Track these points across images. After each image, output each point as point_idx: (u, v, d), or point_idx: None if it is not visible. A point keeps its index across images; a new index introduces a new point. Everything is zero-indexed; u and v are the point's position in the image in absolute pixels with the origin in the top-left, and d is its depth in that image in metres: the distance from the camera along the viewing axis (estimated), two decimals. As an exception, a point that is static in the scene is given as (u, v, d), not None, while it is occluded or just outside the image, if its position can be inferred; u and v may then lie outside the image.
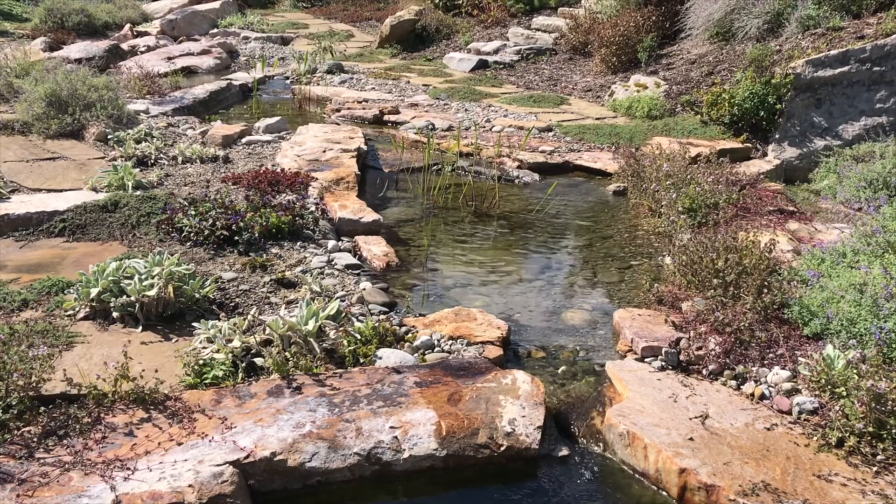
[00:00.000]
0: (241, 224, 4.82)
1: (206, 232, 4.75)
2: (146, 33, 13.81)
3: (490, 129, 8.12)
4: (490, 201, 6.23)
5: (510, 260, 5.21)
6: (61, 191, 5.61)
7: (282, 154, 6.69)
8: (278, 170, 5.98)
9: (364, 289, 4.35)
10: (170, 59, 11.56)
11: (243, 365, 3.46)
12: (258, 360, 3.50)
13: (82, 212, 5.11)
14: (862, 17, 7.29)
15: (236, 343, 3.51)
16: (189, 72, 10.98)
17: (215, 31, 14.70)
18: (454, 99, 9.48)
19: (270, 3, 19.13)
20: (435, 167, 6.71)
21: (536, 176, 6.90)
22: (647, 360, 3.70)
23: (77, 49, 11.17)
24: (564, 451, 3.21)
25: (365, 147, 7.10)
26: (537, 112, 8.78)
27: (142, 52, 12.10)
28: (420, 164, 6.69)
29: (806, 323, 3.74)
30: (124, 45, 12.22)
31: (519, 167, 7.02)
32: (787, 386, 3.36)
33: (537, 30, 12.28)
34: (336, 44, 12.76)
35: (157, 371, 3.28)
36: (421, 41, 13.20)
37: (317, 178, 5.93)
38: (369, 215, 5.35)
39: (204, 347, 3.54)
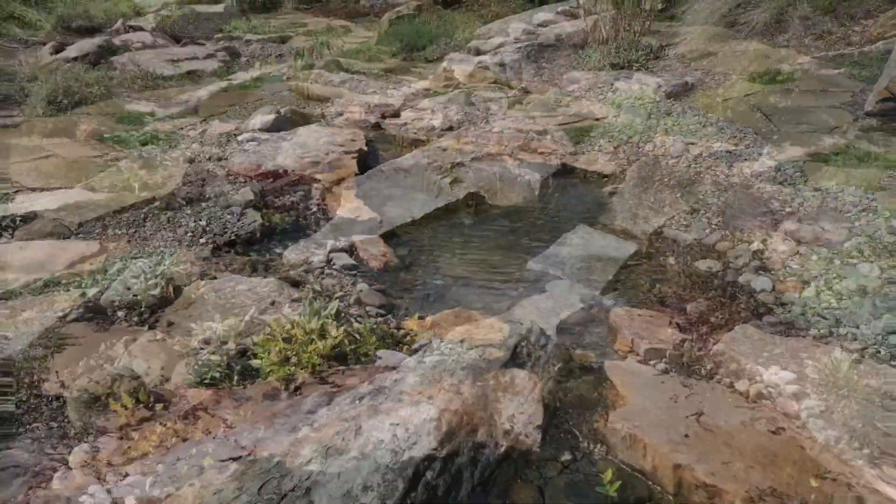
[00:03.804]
0: (241, 224, 4.82)
1: (207, 232, 4.75)
2: (139, 28, 13.72)
3: (490, 130, 8.10)
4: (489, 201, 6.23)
5: (509, 260, 5.20)
6: (60, 189, 5.61)
7: (282, 154, 6.68)
8: (279, 170, 5.97)
9: (361, 290, 4.34)
10: (170, 59, 11.54)
11: (238, 367, 3.45)
12: (254, 363, 3.49)
13: (82, 211, 5.11)
14: (850, 24, 7.48)
15: (231, 345, 3.51)
16: (189, 72, 10.96)
17: (219, 35, 14.66)
18: (453, 99, 9.46)
19: (273, 6, 19.11)
20: (435, 167, 6.69)
21: (536, 176, 6.89)
22: (649, 361, 3.70)
23: (75, 48, 11.15)
24: (565, 452, 3.20)
25: (365, 147, 7.09)
26: (537, 112, 8.77)
27: (136, 49, 11.99)
28: (420, 163, 6.68)
29: (809, 323, 3.73)
30: (116, 41, 12.12)
31: (518, 167, 7.01)
32: (791, 387, 3.36)
33: (538, 27, 12.27)
34: (334, 40, 12.75)
35: (160, 370, 3.28)
36: (420, 38, 13.18)
37: (317, 178, 5.93)
38: (369, 215, 5.34)
39: (201, 348, 3.54)
